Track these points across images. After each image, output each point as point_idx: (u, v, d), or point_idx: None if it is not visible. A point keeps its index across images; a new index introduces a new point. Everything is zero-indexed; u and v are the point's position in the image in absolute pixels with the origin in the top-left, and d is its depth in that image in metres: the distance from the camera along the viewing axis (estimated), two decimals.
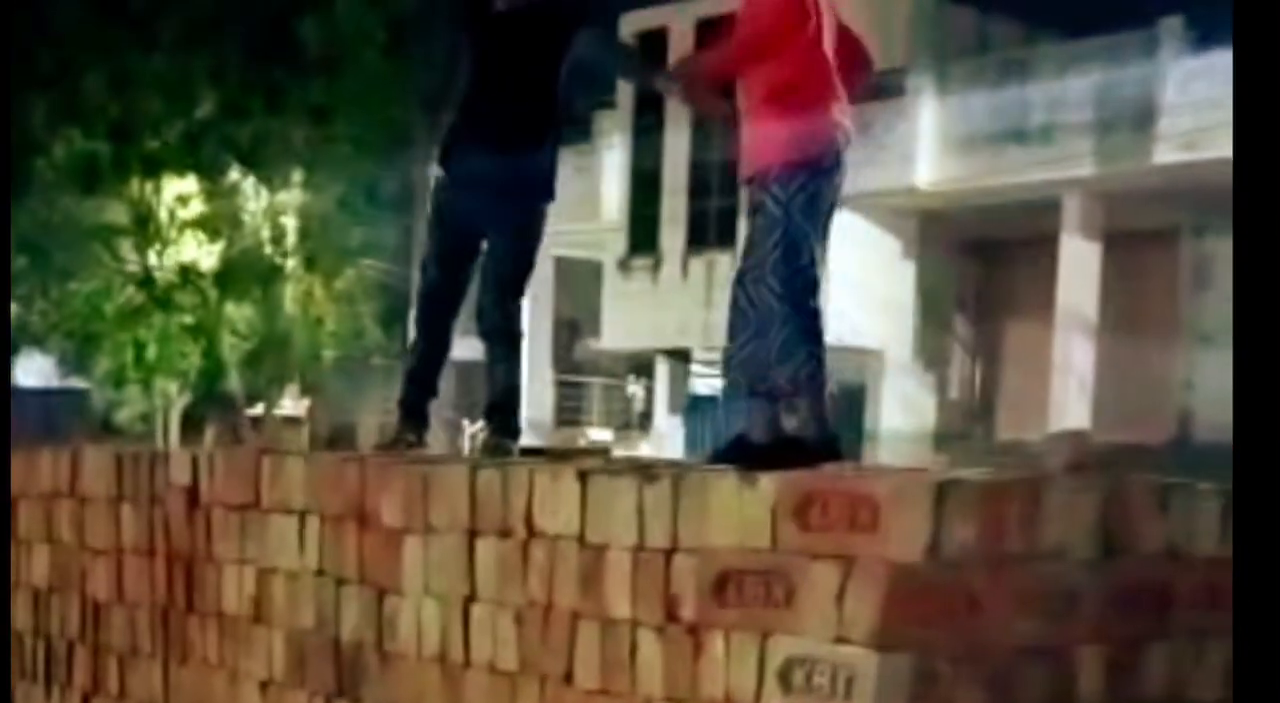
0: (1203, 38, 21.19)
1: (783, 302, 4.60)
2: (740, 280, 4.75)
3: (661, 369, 28.35)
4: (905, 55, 24.61)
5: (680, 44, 27.03)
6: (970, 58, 24.44)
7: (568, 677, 4.13)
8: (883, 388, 25.29)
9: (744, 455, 4.43)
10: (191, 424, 22.35)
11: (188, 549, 5.44)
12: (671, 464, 4.98)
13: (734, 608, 3.73)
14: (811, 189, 4.64)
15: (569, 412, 31.18)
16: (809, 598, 3.57)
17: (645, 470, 4.05)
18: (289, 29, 20.04)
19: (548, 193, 5.86)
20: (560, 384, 31.01)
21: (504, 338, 5.85)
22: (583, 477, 4.11)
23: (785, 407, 4.69)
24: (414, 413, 5.93)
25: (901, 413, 25.28)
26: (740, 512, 3.73)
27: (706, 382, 27.59)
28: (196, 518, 5.40)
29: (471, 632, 4.40)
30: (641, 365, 29.84)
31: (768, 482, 3.69)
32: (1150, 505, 3.87)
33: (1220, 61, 20.76)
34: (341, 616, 4.83)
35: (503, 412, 5.84)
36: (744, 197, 4.86)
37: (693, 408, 27.27)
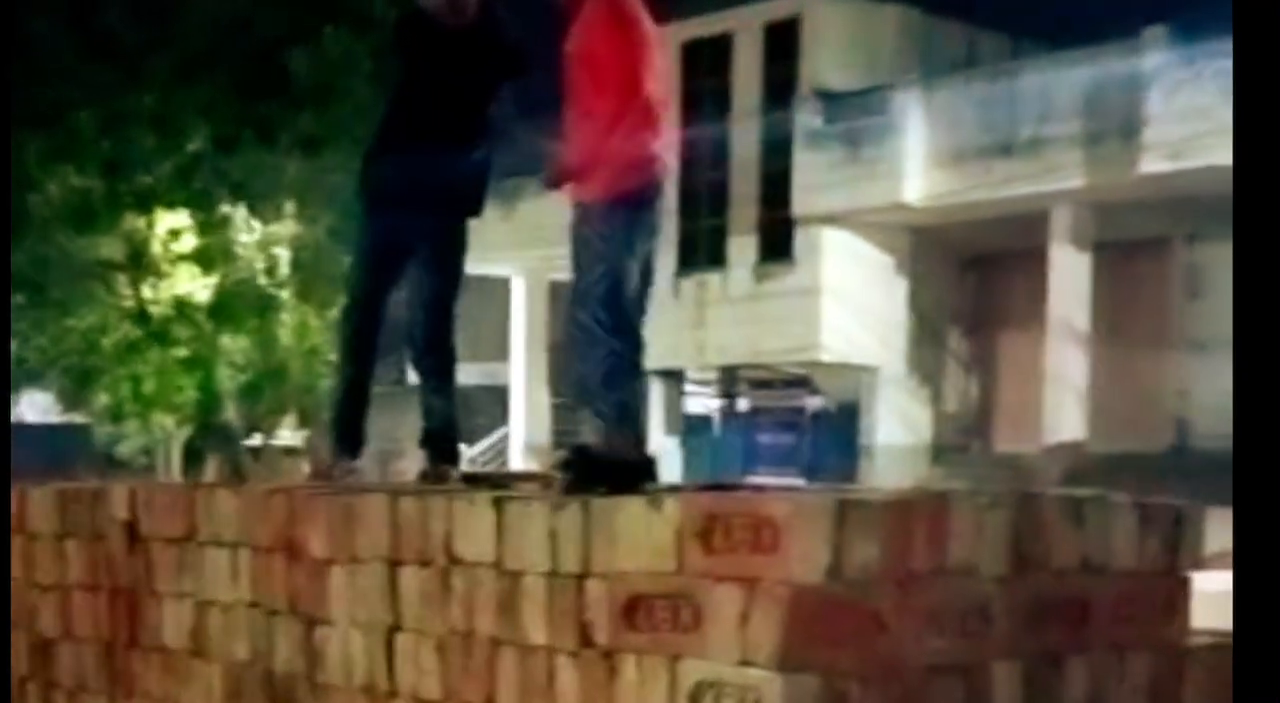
0: (1187, 47, 21.20)
1: (606, 330, 4.72)
2: (568, 313, 4.87)
3: (655, 390, 28.34)
4: (893, 71, 24.66)
5: (666, 66, 27.10)
6: (957, 72, 24.47)
7: None
8: (878, 403, 25.26)
9: (572, 471, 4.63)
10: (193, 456, 22.38)
11: (130, 584, 5.42)
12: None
13: (645, 632, 3.71)
14: (634, 221, 4.75)
15: (567, 435, 31.16)
16: (715, 622, 3.55)
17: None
18: (278, 61, 20.09)
19: (474, 208, 5.80)
20: (557, 407, 31.01)
21: (436, 363, 5.81)
22: (498, 503, 4.10)
23: (608, 429, 4.76)
24: (347, 439, 5.84)
25: (898, 428, 25.25)
26: (647, 536, 3.71)
27: (701, 402, 27.58)
28: (137, 553, 5.38)
29: (396, 661, 4.38)
30: None
31: (672, 505, 3.67)
32: (1064, 520, 3.84)
33: (1205, 70, 20.81)
34: (274, 647, 4.81)
35: (439, 439, 5.78)
36: (571, 221, 4.93)
37: (689, 428, 27.24)
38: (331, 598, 4.57)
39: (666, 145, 4.87)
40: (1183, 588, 4.14)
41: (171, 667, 5.27)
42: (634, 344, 4.83)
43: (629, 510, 3.78)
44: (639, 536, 3.73)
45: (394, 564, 4.37)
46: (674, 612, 3.63)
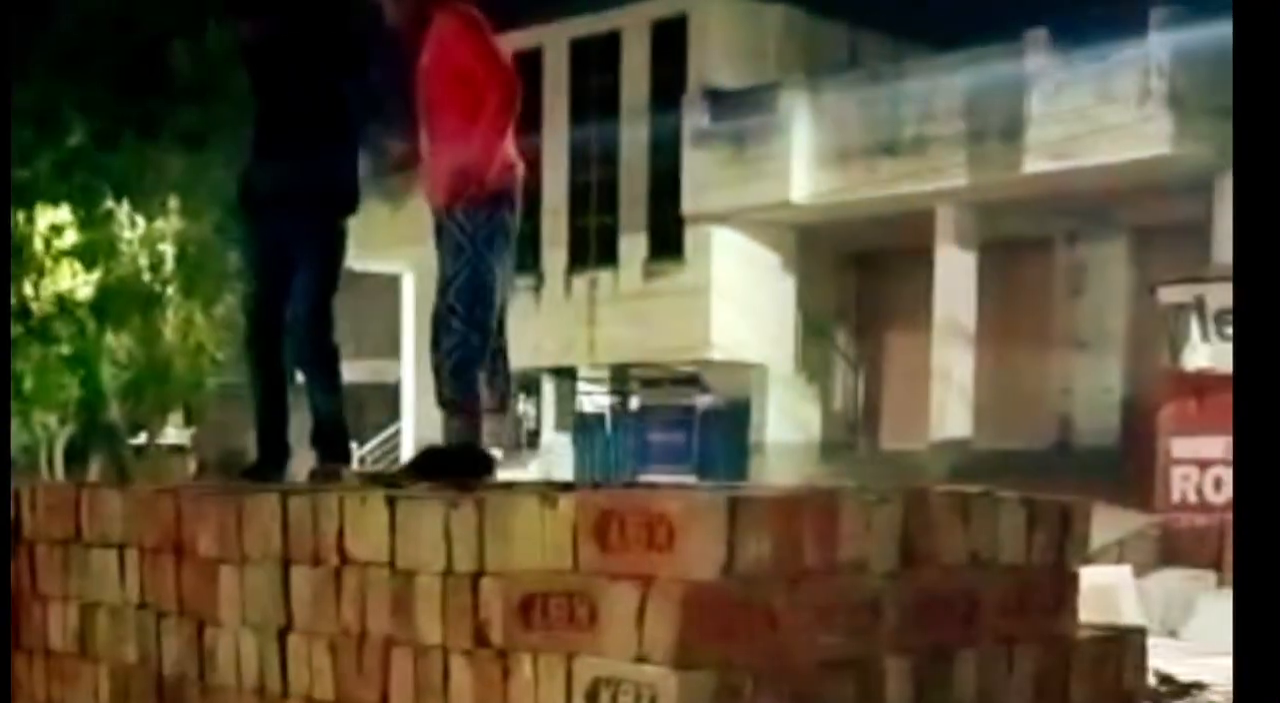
0: (1067, 49, 21.55)
1: (462, 322, 5.04)
2: (434, 311, 5.18)
3: (547, 388, 28.33)
4: (777, 71, 24.84)
5: (555, 64, 27.12)
6: (841, 72, 24.69)
7: None
8: (767, 401, 25.42)
9: (422, 464, 5.10)
10: (75, 456, 22.03)
11: (13, 586, 5.33)
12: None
13: (540, 631, 3.71)
14: (493, 223, 5.10)
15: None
16: (611, 619, 3.55)
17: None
18: (159, 56, 19.85)
19: (345, 206, 5.78)
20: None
21: (318, 361, 5.75)
22: (391, 502, 4.08)
23: (458, 421, 5.17)
24: (269, 449, 5.78)
25: (786, 426, 25.43)
26: (543, 533, 3.71)
27: (593, 400, 27.61)
28: (20, 554, 5.30)
29: (288, 662, 4.34)
30: (530, 384, 29.83)
31: (567, 503, 3.68)
32: (952, 516, 3.90)
33: (1085, 72, 21.16)
34: (163, 648, 4.76)
35: (328, 438, 5.75)
36: (436, 230, 5.26)
37: (581, 426, 27.26)
38: (222, 598, 4.53)
39: (518, 153, 5.21)
40: (1070, 582, 4.22)
41: (57, 670, 5.19)
42: (485, 338, 5.11)
43: (524, 509, 3.78)
44: (534, 534, 3.73)
45: (285, 564, 4.34)
46: (570, 610, 3.64)
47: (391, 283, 31.15)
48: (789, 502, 3.63)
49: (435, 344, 5.17)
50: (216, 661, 4.56)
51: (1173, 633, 13.77)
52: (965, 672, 3.93)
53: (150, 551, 4.79)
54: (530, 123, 28.14)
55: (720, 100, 25.01)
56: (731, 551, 3.47)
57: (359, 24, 5.76)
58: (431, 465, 5.04)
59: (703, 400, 26.28)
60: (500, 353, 5.36)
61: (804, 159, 23.85)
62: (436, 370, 5.17)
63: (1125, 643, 4.37)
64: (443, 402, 5.17)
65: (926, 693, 3.83)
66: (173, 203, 21.34)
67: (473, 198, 5.04)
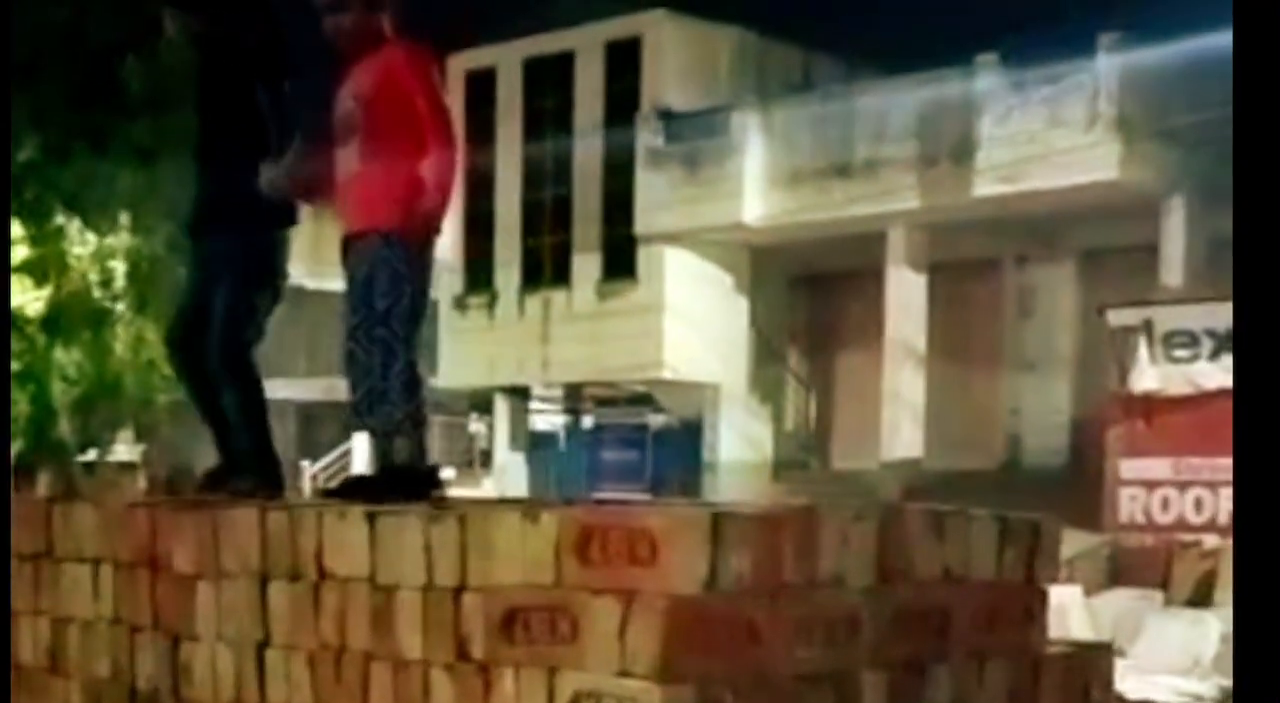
0: (1017, 74, 21.79)
1: (404, 346, 5.16)
2: (353, 334, 5.20)
3: (501, 406, 28.33)
4: (729, 93, 24.99)
5: (508, 84, 27.16)
6: (793, 95, 24.86)
7: None
8: (720, 420, 25.53)
9: (360, 488, 5.14)
10: (23, 473, 21.83)
11: None
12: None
13: (522, 645, 3.75)
14: (424, 251, 5.22)
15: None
16: (592, 633, 3.60)
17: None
18: (111, 70, 19.74)
19: (280, 219, 5.69)
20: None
21: (227, 367, 5.63)
22: (371, 517, 4.11)
23: (398, 442, 5.21)
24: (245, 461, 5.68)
25: (739, 445, 25.54)
26: (524, 548, 3.75)
27: (546, 418, 27.63)
28: None
29: (266, 676, 4.36)
30: (483, 403, 29.82)
31: (549, 518, 3.72)
32: (926, 533, 3.97)
33: (1034, 96, 21.40)
34: (137, 663, 4.77)
35: (256, 460, 5.61)
36: (354, 250, 5.30)
37: (535, 444, 27.28)
38: (198, 614, 4.54)
39: (451, 180, 5.28)
40: (1040, 598, 4.30)
41: (26, 684, 5.18)
42: (416, 360, 5.26)
43: (506, 524, 3.82)
44: (515, 548, 3.77)
45: (263, 579, 4.36)
46: (551, 624, 3.68)
47: (343, 301, 31.05)
48: (770, 517, 3.69)
49: (375, 370, 5.18)
50: (192, 675, 4.57)
51: (1120, 652, 13.91)
52: (938, 685, 3.99)
53: (125, 565, 4.79)
54: (484, 141, 28.35)
55: (673, 121, 25.16)
56: (713, 565, 3.52)
57: (282, 32, 5.75)
58: (382, 485, 5.03)
59: (656, 419, 26.37)
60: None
61: (757, 180, 24.01)
62: (381, 394, 5.15)
63: (1093, 659, 4.45)
64: (391, 423, 5.18)
65: None
66: (124, 218, 21.23)
67: (416, 231, 5.16)
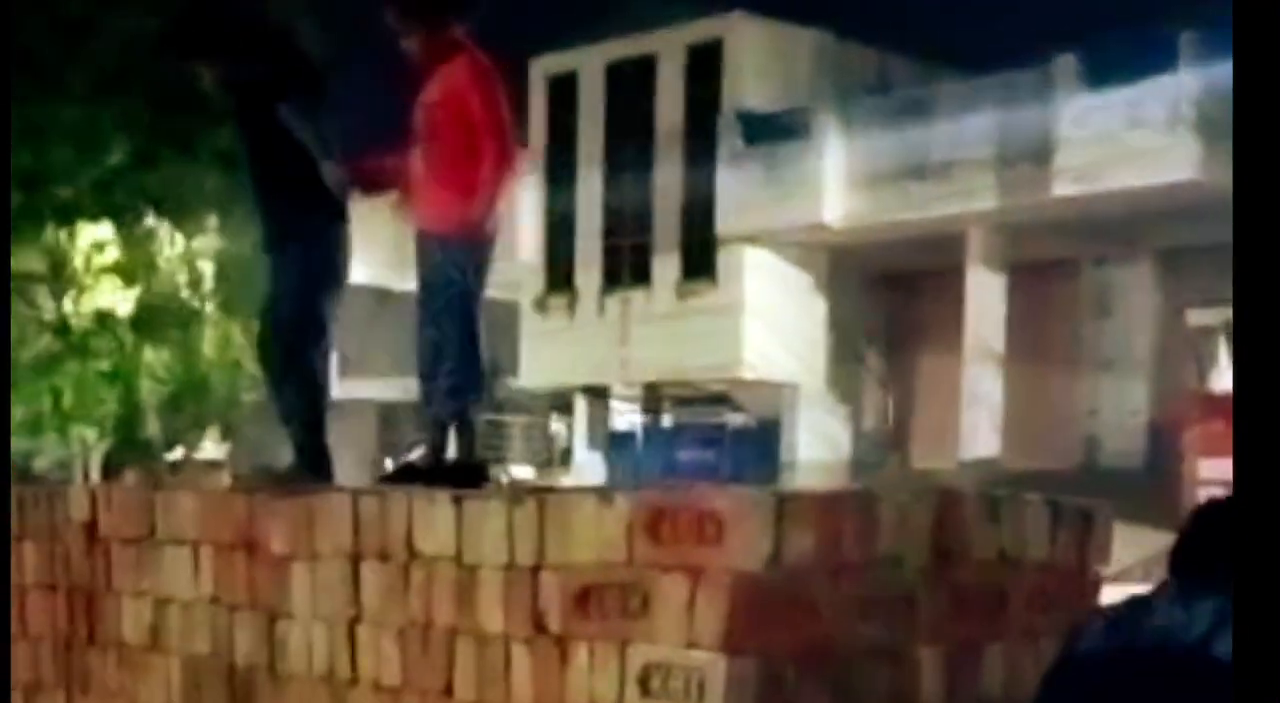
0: (1095, 75, 21.79)
1: (455, 346, 5.50)
2: (418, 332, 5.63)
3: (580, 406, 28.61)
4: (809, 95, 25.13)
5: (590, 87, 27.43)
6: (872, 97, 24.96)
7: (448, 690, 4.36)
8: (798, 420, 25.67)
9: (410, 476, 5.47)
10: (111, 470, 22.33)
11: (88, 583, 5.62)
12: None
13: (595, 620, 3.98)
14: (480, 257, 5.56)
15: (492, 450, 31.33)
16: (662, 608, 3.82)
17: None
18: (195, 76, 20.11)
19: (338, 216, 5.91)
20: (483, 423, 31.17)
21: (297, 378, 5.88)
22: (457, 501, 4.36)
23: (453, 433, 5.59)
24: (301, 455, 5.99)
25: (817, 445, 25.67)
26: (598, 529, 3.97)
27: (625, 418, 27.88)
28: (95, 552, 5.58)
29: (357, 651, 4.61)
30: (565, 403, 30.11)
31: (623, 500, 3.95)
32: (981, 516, 4.16)
33: (1112, 97, 21.38)
34: (234, 640, 5.03)
35: (299, 445, 5.94)
36: (420, 250, 5.66)
37: (613, 443, 27.54)
38: (293, 593, 4.80)
39: (499, 190, 5.56)
40: (1093, 583, 4.47)
41: (129, 662, 5.46)
42: (478, 357, 5.55)
43: (582, 507, 4.05)
44: (591, 529, 4.00)
45: (355, 559, 4.61)
46: (623, 600, 3.90)
47: None
48: (830, 499, 3.90)
49: (429, 368, 5.57)
50: (287, 651, 4.83)
51: None
52: (994, 663, 4.19)
53: (223, 548, 5.07)
54: (566, 144, 28.64)
55: (753, 123, 25.33)
56: (777, 545, 3.73)
57: (305, 58, 6.04)
58: (431, 474, 5.38)
59: (734, 419, 26.55)
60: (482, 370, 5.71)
61: (835, 181, 24.14)
62: (429, 394, 5.57)
63: None
64: (437, 420, 5.56)
65: (957, 682, 4.09)
66: (212, 221, 21.66)
67: (471, 235, 5.47)
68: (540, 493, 4.37)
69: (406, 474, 5.65)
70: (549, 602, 4.10)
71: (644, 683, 3.86)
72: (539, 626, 4.12)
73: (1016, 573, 4.23)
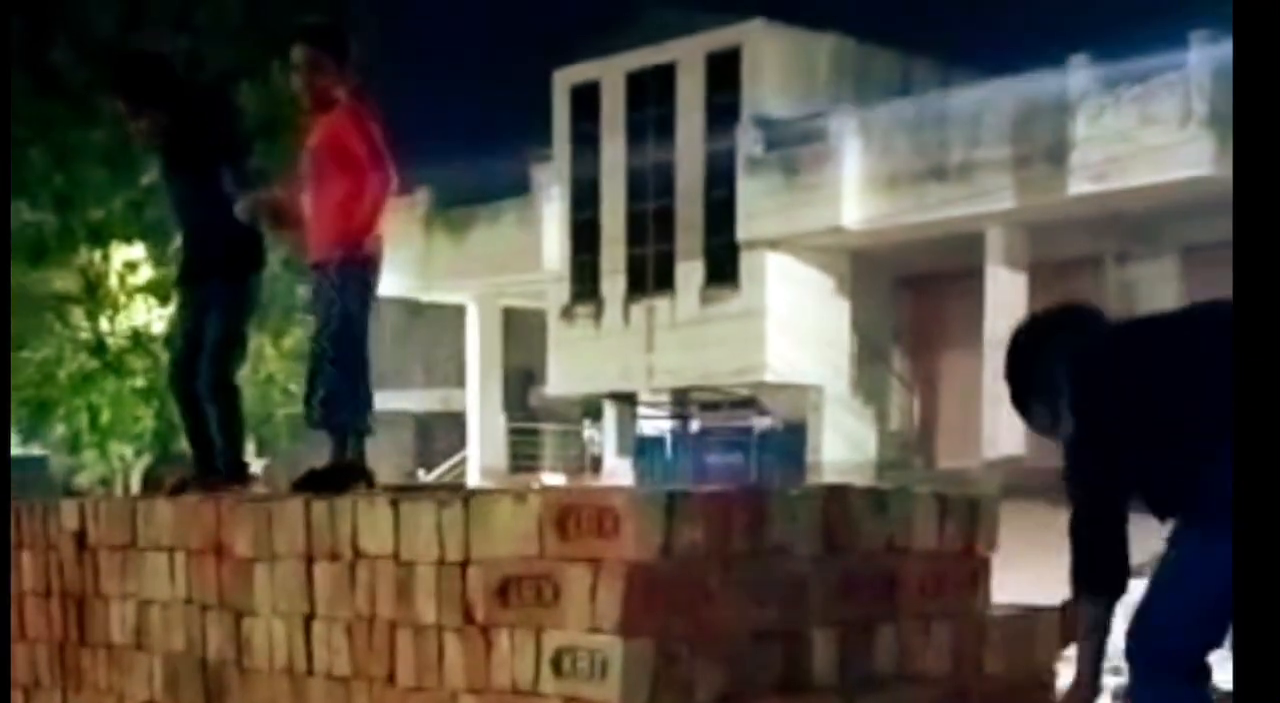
0: (1109, 73, 22.02)
1: (335, 363, 6.10)
2: (316, 341, 6.23)
3: (609, 412, 29.00)
4: (828, 99, 25.44)
5: (612, 96, 27.82)
6: (891, 99, 25.23)
7: (390, 678, 4.74)
8: (823, 422, 25.96)
9: (309, 482, 5.99)
10: (151, 485, 22.75)
11: (79, 588, 6.04)
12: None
13: (515, 609, 4.34)
14: (361, 279, 6.11)
15: (523, 458, 31.76)
16: (570, 597, 4.18)
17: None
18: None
19: (249, 266, 6.60)
20: (513, 431, 31.57)
21: (216, 395, 6.58)
22: (395, 504, 4.74)
23: (338, 442, 6.20)
24: (204, 462, 6.68)
25: (843, 446, 25.95)
26: (515, 525, 4.35)
27: (653, 423, 28.25)
28: (85, 559, 6.00)
29: (313, 644, 5.00)
30: (596, 409, 30.50)
31: (534, 499, 4.32)
32: (869, 508, 4.51)
33: (1126, 95, 21.61)
34: (207, 638, 5.43)
35: (224, 460, 6.64)
36: (314, 280, 6.29)
37: (641, 449, 27.90)
38: (256, 592, 5.20)
39: (375, 217, 6.12)
40: (983, 566, 4.82)
41: (117, 660, 5.87)
42: (360, 371, 6.15)
43: (500, 505, 4.42)
44: (508, 526, 4.37)
45: (309, 560, 5.00)
46: (538, 590, 4.27)
47: (457, 313, 31.89)
48: (719, 496, 4.27)
49: (309, 384, 6.24)
50: (252, 646, 5.23)
51: None
52: (886, 642, 4.54)
53: (196, 552, 5.47)
54: (588, 154, 29.03)
55: (773, 129, 25.65)
56: (668, 536, 4.09)
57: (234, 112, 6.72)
58: (316, 481, 5.94)
59: (760, 422, 26.87)
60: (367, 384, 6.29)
61: (855, 185, 24.43)
62: (307, 401, 6.25)
63: (1037, 620, 4.95)
64: (328, 428, 6.18)
65: (849, 660, 4.44)
66: None
67: (349, 257, 6.02)
68: (466, 494, 4.74)
69: (309, 481, 6.11)
70: (475, 594, 4.46)
71: (556, 665, 4.23)
72: (468, 616, 4.49)
73: (905, 559, 4.58)
